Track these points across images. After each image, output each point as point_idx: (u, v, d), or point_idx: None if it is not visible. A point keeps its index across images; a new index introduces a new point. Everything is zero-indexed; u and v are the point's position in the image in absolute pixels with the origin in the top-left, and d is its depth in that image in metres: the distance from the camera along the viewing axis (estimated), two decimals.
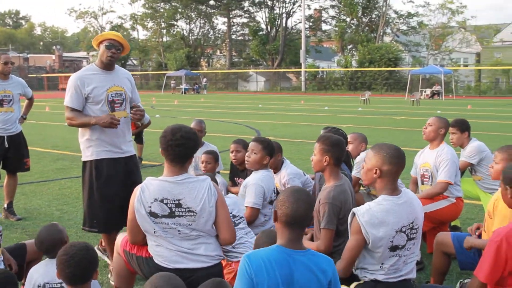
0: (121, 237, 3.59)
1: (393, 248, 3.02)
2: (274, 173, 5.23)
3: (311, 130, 16.48)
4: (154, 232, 3.15)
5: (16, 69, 76.88)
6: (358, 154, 5.38)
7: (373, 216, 2.99)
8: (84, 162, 4.53)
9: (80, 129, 4.53)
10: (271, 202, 4.55)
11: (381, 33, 62.37)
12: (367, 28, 64.57)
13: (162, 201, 3.12)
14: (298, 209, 2.49)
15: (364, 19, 64.78)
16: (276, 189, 4.75)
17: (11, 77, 6.41)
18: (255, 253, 2.51)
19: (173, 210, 3.11)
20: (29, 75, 76.40)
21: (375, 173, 3.07)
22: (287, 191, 2.61)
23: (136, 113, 4.55)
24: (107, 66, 4.47)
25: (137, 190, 3.20)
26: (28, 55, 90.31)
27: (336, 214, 3.53)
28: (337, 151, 3.67)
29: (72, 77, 4.46)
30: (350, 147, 5.37)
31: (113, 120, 4.35)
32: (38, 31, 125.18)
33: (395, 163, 3.04)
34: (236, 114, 24.83)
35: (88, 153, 4.47)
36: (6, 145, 6.29)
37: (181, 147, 3.14)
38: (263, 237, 3.23)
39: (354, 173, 5.18)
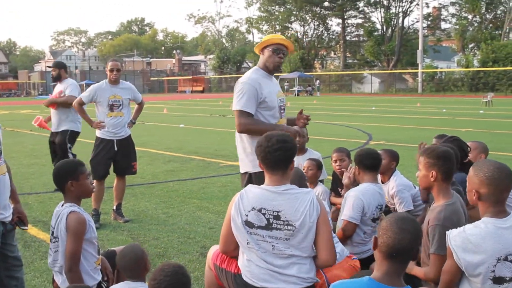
0: (213, 250, 3.48)
1: (497, 280, 2.59)
2: (382, 182, 4.85)
3: (427, 134, 15.59)
4: (247, 244, 2.99)
5: (140, 73, 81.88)
6: None
7: (466, 239, 2.61)
8: (250, 174, 4.15)
9: (248, 137, 4.15)
10: (374, 220, 4.15)
11: (507, 30, 58.41)
12: (491, 25, 60.96)
13: (260, 210, 2.96)
14: (402, 241, 2.20)
15: (488, 16, 61.20)
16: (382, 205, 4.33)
17: (122, 82, 6.61)
18: (342, 285, 2.27)
19: (271, 221, 2.94)
20: (151, 79, 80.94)
21: (474, 195, 2.69)
22: (391, 218, 2.33)
23: (306, 119, 4.29)
24: (273, 71, 4.21)
25: (236, 196, 3.08)
26: (151, 60, 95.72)
27: None
28: (445, 165, 3.22)
29: (246, 80, 4.10)
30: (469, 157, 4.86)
31: (299, 131, 4.12)
32: (160, 36, 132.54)
33: (495, 185, 2.63)
34: (348, 116, 24.29)
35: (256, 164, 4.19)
36: (116, 148, 6.48)
37: (279, 150, 2.96)
38: None
39: None
